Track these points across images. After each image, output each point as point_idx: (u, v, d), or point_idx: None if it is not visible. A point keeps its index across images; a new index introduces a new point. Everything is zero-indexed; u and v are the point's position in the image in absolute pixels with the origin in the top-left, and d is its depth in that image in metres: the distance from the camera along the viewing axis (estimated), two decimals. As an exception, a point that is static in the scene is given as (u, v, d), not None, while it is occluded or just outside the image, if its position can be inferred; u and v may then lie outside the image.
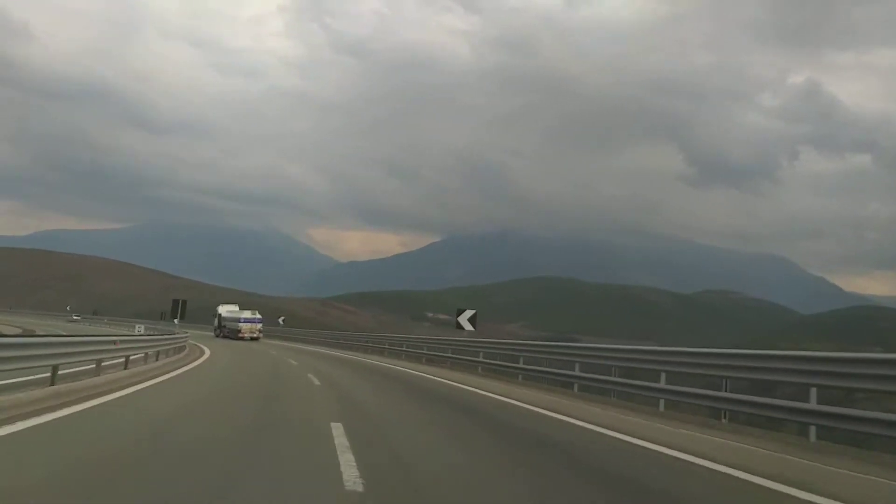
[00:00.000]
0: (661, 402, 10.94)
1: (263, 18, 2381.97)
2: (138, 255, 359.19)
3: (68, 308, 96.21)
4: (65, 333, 13.00)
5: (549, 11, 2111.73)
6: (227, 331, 52.06)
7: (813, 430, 7.86)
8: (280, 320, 59.60)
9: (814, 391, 7.82)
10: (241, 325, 49.97)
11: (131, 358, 13.63)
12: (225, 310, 56.81)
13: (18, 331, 34.85)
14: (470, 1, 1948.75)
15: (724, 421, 9.47)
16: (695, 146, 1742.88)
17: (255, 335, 48.82)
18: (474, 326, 22.26)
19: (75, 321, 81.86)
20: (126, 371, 12.74)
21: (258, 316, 52.11)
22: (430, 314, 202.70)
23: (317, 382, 14.39)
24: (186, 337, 24.42)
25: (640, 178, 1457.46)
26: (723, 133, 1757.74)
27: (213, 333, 55.16)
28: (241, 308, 57.22)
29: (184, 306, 30.09)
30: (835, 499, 4.86)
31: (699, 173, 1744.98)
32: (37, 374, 9.36)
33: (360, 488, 4.47)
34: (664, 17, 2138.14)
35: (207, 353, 24.28)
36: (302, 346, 41.24)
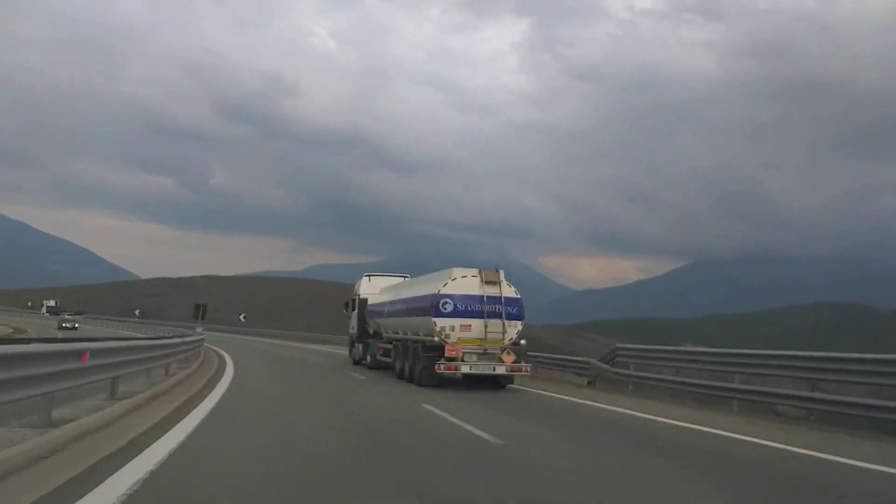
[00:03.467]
0: None
1: (498, 55, 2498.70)
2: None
3: (243, 318, 65.27)
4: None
5: (804, 9, 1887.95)
6: (384, 344, 20.01)
7: None
8: None
9: None
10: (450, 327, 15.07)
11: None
12: (381, 286, 22.43)
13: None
14: (711, 9, 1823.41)
15: None
16: None
17: (502, 369, 14.73)
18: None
19: (67, 326, 55.22)
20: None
21: (515, 294, 15.26)
22: (689, 346, 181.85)
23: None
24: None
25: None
26: None
27: (349, 354, 25.27)
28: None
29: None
30: None
31: None
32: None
33: None
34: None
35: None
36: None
